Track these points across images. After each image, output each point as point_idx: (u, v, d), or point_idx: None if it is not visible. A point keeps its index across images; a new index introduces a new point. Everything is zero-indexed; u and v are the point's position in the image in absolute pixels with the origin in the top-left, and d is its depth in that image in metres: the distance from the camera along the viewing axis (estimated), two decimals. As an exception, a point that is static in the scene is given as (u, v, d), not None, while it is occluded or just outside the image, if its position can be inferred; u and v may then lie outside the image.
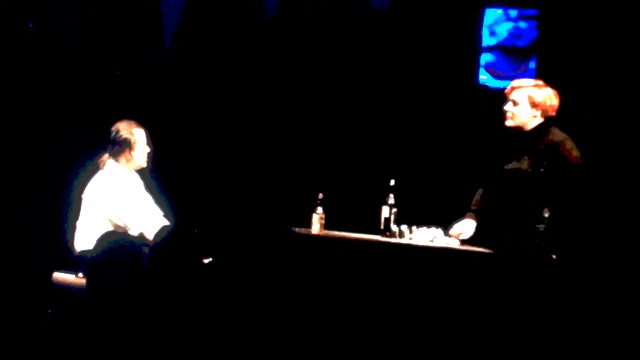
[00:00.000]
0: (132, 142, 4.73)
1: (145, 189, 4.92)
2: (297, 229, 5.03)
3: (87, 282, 4.58)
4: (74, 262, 4.69)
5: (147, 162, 4.84)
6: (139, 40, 6.17)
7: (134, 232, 4.60)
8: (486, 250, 4.68)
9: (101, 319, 4.39)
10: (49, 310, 4.74)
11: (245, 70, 6.18)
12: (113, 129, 4.76)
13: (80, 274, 4.63)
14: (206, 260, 4.76)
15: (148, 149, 4.81)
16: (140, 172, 4.90)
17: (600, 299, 5.24)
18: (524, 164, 4.34)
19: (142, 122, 4.85)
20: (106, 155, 4.78)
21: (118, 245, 4.48)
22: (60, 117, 6.06)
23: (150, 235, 4.58)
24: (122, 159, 4.74)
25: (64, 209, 5.48)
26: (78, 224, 4.71)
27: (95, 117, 5.91)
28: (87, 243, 4.62)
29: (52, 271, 4.83)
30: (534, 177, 4.30)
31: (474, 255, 4.68)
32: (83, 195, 4.72)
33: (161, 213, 4.91)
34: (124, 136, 4.72)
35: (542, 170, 4.28)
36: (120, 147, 4.72)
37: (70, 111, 6.06)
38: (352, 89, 6.12)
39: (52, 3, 6.13)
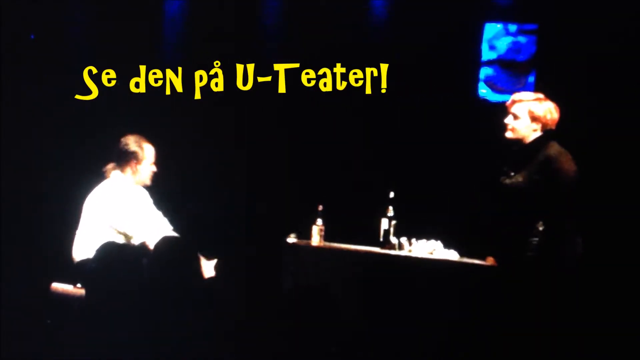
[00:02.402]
0: (140, 155, 4.70)
1: (149, 199, 4.91)
2: (297, 241, 5.04)
3: (86, 292, 4.58)
4: (73, 271, 4.67)
5: (151, 181, 4.79)
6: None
7: (135, 240, 4.59)
8: (484, 263, 4.69)
9: (100, 328, 4.39)
10: (48, 321, 4.74)
11: (246, 82, 6.19)
12: (122, 140, 4.73)
13: (79, 285, 4.62)
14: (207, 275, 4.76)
15: (154, 168, 4.77)
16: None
17: (596, 310, 5.26)
18: (520, 177, 4.37)
19: (149, 136, 4.85)
20: (112, 165, 4.76)
21: (116, 255, 4.48)
22: (66, 130, 6.07)
23: (152, 245, 4.57)
24: (128, 171, 4.72)
25: (64, 220, 5.47)
26: (78, 232, 4.70)
27: (102, 131, 5.91)
28: (86, 252, 4.61)
29: (51, 282, 4.84)
30: (528, 191, 4.32)
31: (473, 268, 4.70)
32: (85, 204, 4.72)
33: (164, 224, 4.89)
34: (132, 148, 4.70)
35: (536, 184, 4.30)
36: (127, 159, 4.70)
37: (78, 124, 6.07)
38: (353, 102, 6.13)
39: (55, 15, 6.14)
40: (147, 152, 4.73)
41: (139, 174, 4.73)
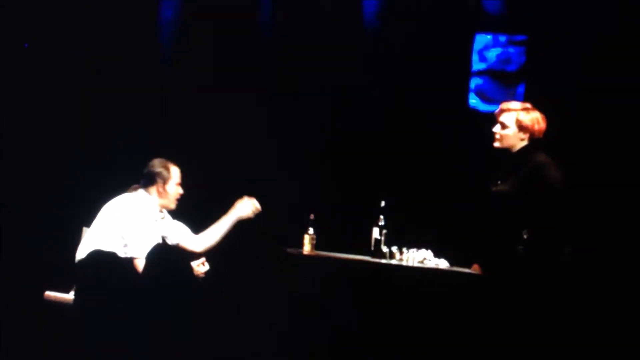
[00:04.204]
0: (166, 176, 4.71)
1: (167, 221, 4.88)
2: (289, 249, 5.07)
3: (75, 290, 4.61)
4: (71, 273, 4.67)
5: (175, 204, 4.78)
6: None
7: (129, 253, 4.56)
8: (474, 272, 4.73)
9: (88, 328, 4.42)
10: (41, 329, 4.77)
11: (240, 91, 6.23)
12: (148, 164, 4.75)
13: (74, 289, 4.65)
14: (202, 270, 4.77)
15: (180, 190, 4.78)
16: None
17: (583, 318, 5.29)
18: (507, 186, 4.42)
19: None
20: (137, 186, 4.75)
21: (97, 254, 4.50)
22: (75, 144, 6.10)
23: (141, 268, 4.55)
24: (154, 192, 4.72)
25: (60, 228, 5.50)
26: (87, 234, 4.68)
27: (101, 139, 5.95)
28: (85, 253, 4.61)
29: (45, 289, 4.86)
30: (514, 199, 4.37)
31: (463, 277, 4.73)
32: (102, 209, 4.67)
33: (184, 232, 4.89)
34: (158, 170, 4.71)
35: (522, 192, 4.35)
36: (153, 179, 4.70)
37: (76, 132, 6.09)
38: (345, 111, 6.17)
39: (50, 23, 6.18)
40: (173, 173, 4.74)
41: (165, 195, 4.71)
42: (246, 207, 4.92)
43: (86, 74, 6.11)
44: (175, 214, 4.91)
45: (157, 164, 4.74)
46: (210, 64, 6.21)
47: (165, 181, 4.72)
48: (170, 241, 4.81)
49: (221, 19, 6.23)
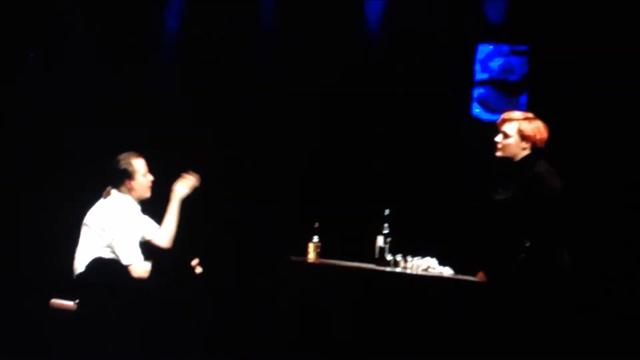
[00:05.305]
0: (131, 171, 4.75)
1: (144, 218, 4.95)
2: (293, 257, 5.10)
3: (78, 301, 4.64)
4: (72, 286, 4.72)
5: (150, 191, 4.83)
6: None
7: (123, 261, 4.60)
8: (478, 279, 4.75)
9: (91, 336, 4.45)
10: (43, 335, 4.80)
11: (242, 98, 6.27)
12: (112, 162, 4.81)
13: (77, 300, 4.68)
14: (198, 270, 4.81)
15: (150, 177, 4.83)
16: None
17: (584, 324, 5.31)
18: (509, 194, 4.45)
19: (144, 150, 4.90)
20: (110, 187, 4.81)
21: (99, 262, 4.53)
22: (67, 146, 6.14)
23: (136, 273, 4.59)
24: (124, 189, 4.77)
25: (63, 235, 5.52)
26: (77, 248, 4.74)
27: (101, 145, 5.98)
28: (82, 268, 4.65)
29: (50, 297, 4.89)
30: (516, 207, 4.40)
31: (467, 285, 4.75)
32: (84, 221, 4.77)
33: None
34: (122, 166, 4.76)
35: (523, 200, 4.38)
36: (120, 177, 4.75)
37: (77, 139, 6.13)
38: (349, 120, 6.20)
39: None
40: (137, 166, 4.77)
41: (135, 190, 4.77)
42: (183, 186, 4.90)
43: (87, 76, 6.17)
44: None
45: (120, 161, 4.77)
46: (210, 65, 6.25)
47: (131, 176, 4.75)
48: (146, 237, 4.83)
49: (220, 19, 6.29)
